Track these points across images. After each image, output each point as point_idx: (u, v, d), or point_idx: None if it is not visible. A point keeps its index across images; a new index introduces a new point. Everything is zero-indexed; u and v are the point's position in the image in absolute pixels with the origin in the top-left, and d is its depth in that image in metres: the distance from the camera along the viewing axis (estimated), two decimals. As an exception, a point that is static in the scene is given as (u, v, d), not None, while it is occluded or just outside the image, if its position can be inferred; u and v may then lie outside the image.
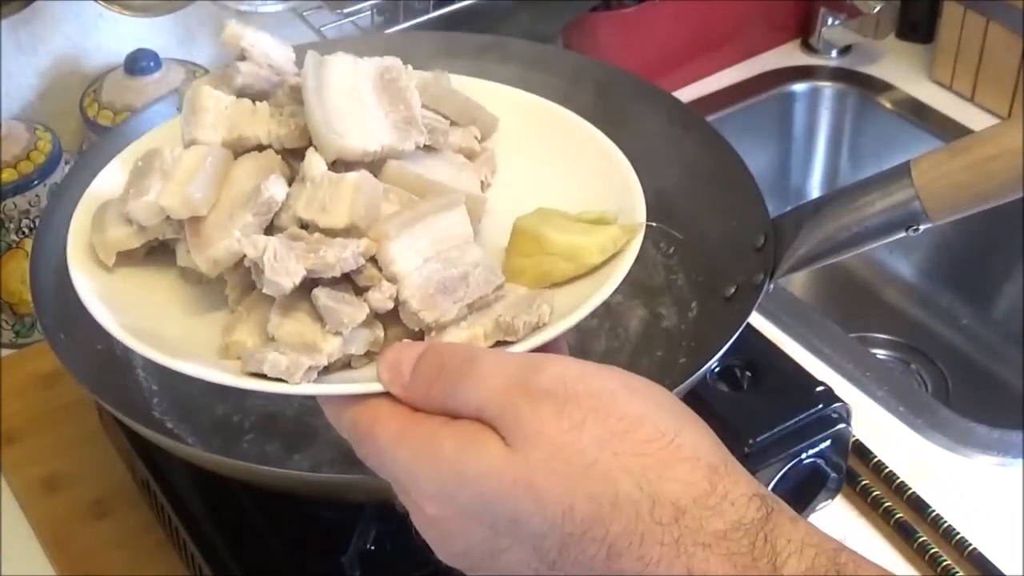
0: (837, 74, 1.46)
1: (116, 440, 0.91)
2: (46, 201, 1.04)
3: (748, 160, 0.86)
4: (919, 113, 1.41)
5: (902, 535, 0.92)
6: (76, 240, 0.65)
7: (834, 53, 1.48)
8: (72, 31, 1.15)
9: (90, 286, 0.62)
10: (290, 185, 0.62)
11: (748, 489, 0.48)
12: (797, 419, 0.85)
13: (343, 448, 0.66)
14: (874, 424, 1.01)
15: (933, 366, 1.33)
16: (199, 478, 0.82)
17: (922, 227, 0.75)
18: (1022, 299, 1.32)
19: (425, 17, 1.16)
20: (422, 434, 0.50)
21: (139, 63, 1.12)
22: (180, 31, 1.20)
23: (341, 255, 0.57)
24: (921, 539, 0.91)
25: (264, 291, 0.57)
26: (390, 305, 0.58)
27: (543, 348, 0.58)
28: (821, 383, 0.88)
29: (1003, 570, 0.89)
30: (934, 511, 0.93)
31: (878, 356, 1.27)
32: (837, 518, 0.93)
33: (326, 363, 0.57)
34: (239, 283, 0.61)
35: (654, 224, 0.87)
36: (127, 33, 1.17)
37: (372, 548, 0.77)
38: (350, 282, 0.58)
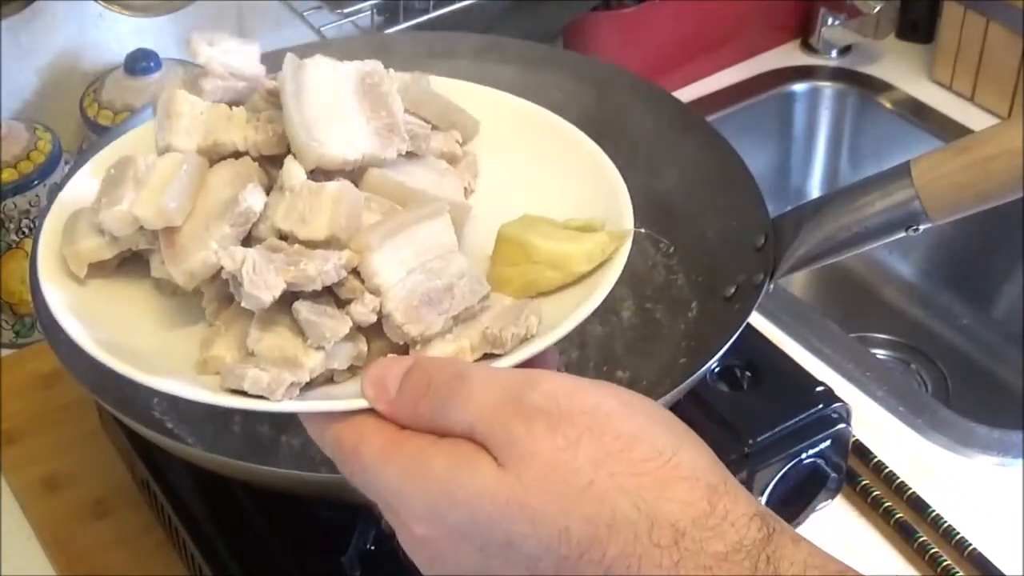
0: (837, 74, 1.46)
1: (116, 440, 0.91)
2: (46, 201, 1.04)
3: (748, 160, 0.86)
4: (919, 113, 1.41)
5: (902, 535, 0.92)
6: (46, 251, 0.63)
7: (834, 53, 1.48)
8: (72, 31, 1.15)
9: (61, 299, 0.60)
10: (267, 194, 0.60)
11: (748, 509, 0.46)
12: (797, 419, 0.85)
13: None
14: (874, 424, 1.01)
15: (933, 366, 1.33)
16: (199, 478, 0.82)
17: (922, 227, 0.75)
18: (1022, 299, 1.32)
19: (425, 17, 1.16)
20: (410, 453, 0.49)
21: (139, 63, 1.12)
22: (180, 31, 1.20)
23: (322, 268, 0.55)
24: (921, 539, 0.91)
25: (243, 305, 0.55)
26: (373, 318, 0.56)
27: (531, 361, 0.56)
28: (821, 383, 0.88)
29: (1003, 570, 0.89)
30: (934, 511, 0.93)
31: (878, 356, 1.27)
32: (837, 518, 0.93)
33: (308, 379, 0.55)
34: (216, 295, 0.60)
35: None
36: (127, 33, 1.17)
37: (372, 548, 0.77)
38: (331, 295, 0.57)
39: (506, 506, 0.46)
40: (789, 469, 0.84)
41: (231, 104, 0.65)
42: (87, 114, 1.12)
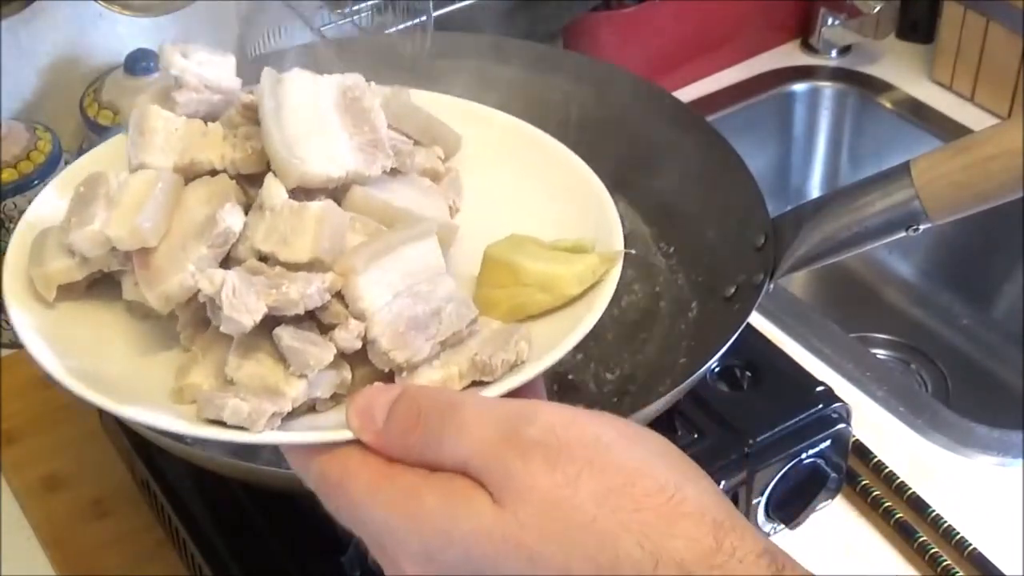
0: (837, 74, 1.46)
1: (116, 440, 0.91)
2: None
3: (748, 160, 0.86)
4: (919, 113, 1.41)
5: (902, 535, 0.92)
6: (13, 272, 0.60)
7: (834, 53, 1.48)
8: (72, 31, 1.15)
9: (29, 322, 0.57)
10: (246, 213, 0.58)
11: (756, 545, 0.44)
12: (797, 419, 0.85)
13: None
14: (874, 424, 1.01)
15: (933, 366, 1.33)
16: (199, 478, 0.82)
17: (922, 227, 0.75)
18: (1022, 299, 1.32)
19: (425, 17, 1.16)
20: (401, 488, 0.46)
21: (139, 63, 1.12)
22: (180, 31, 1.20)
23: (305, 291, 0.53)
24: (921, 539, 0.91)
25: (222, 330, 0.53)
26: (358, 345, 0.54)
27: (522, 388, 0.54)
28: (821, 383, 0.88)
29: (1003, 570, 0.89)
30: (934, 511, 0.93)
31: (878, 356, 1.27)
32: (837, 518, 0.93)
33: (290, 408, 0.53)
34: (191, 319, 0.57)
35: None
36: (127, 33, 1.17)
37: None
38: (314, 319, 0.54)
39: (503, 545, 0.44)
40: (789, 469, 0.84)
41: (205, 118, 0.63)
42: (87, 114, 1.12)
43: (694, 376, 0.75)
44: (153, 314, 0.58)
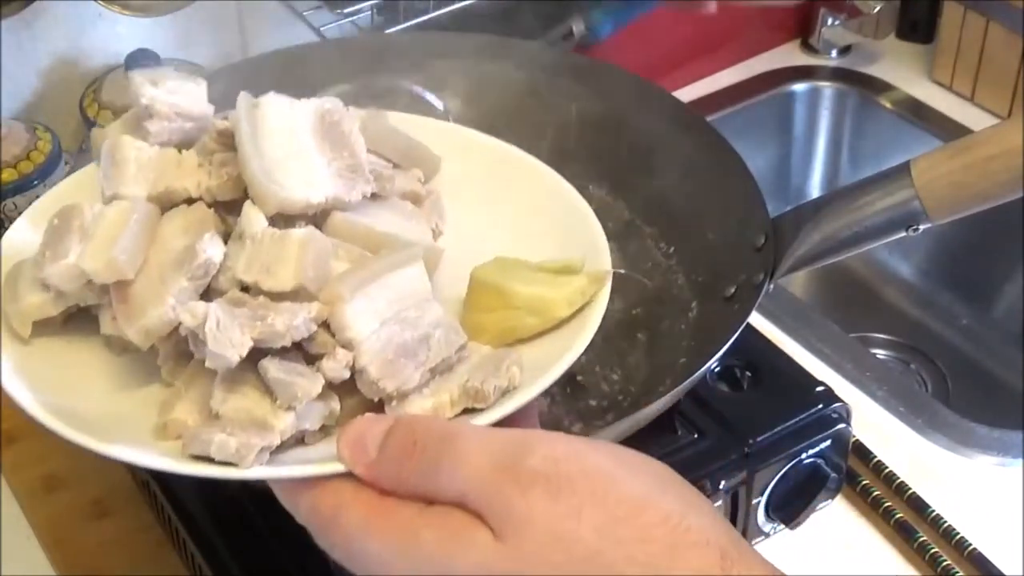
0: (837, 74, 1.46)
1: (116, 440, 0.91)
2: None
3: (748, 160, 0.86)
4: (919, 113, 1.41)
5: (902, 535, 0.92)
6: None
7: (834, 53, 1.48)
8: (72, 31, 1.15)
9: (5, 360, 0.56)
10: (225, 242, 0.56)
11: (763, 572, 0.44)
12: (797, 419, 0.85)
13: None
14: (874, 424, 1.01)
15: (933, 366, 1.33)
16: (199, 478, 0.82)
17: (922, 227, 0.75)
18: (1022, 299, 1.32)
19: (425, 17, 1.16)
20: (397, 523, 0.45)
21: (139, 63, 1.11)
22: (180, 31, 1.20)
23: (291, 322, 0.51)
24: (921, 539, 0.91)
25: (207, 364, 0.51)
26: (347, 374, 0.53)
27: (515, 414, 0.53)
28: (821, 383, 0.88)
29: (1003, 570, 0.89)
30: (934, 511, 0.93)
31: (878, 356, 1.27)
32: (837, 518, 0.93)
33: (279, 442, 0.51)
34: (172, 352, 0.55)
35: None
36: (127, 33, 1.17)
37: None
38: (300, 349, 0.53)
39: None
40: (789, 469, 0.84)
41: (179, 146, 0.61)
42: (87, 114, 1.12)
43: (694, 376, 0.75)
44: (132, 348, 0.56)
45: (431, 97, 0.96)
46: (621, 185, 0.94)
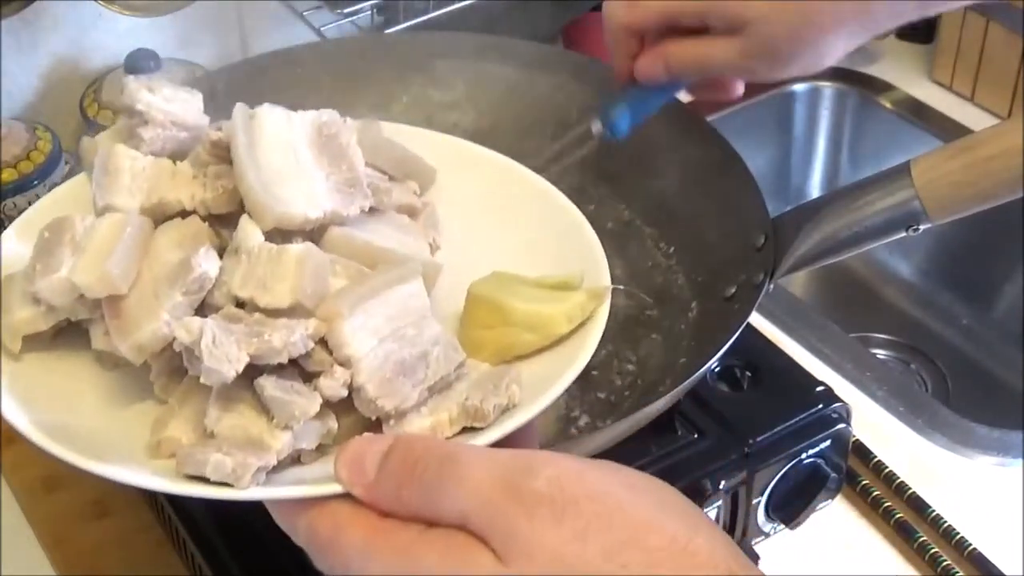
0: (837, 74, 1.46)
1: (116, 440, 0.91)
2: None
3: (748, 160, 0.86)
4: (919, 113, 1.41)
5: (902, 535, 0.92)
6: None
7: (834, 53, 1.48)
8: (72, 31, 1.15)
9: None
10: (220, 256, 0.55)
11: None
12: (797, 419, 0.85)
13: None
14: (874, 424, 1.01)
15: (933, 366, 1.33)
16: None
17: (922, 227, 0.75)
18: (1022, 299, 1.32)
19: (425, 17, 1.16)
20: (397, 545, 0.44)
21: (139, 63, 1.12)
22: (180, 31, 1.20)
23: (289, 339, 0.50)
24: (921, 539, 0.91)
25: (202, 381, 0.50)
26: (344, 393, 0.52)
27: (514, 432, 0.52)
28: (821, 383, 0.88)
29: (1003, 570, 0.89)
30: (934, 511, 0.93)
31: (878, 356, 1.27)
32: (837, 518, 0.93)
33: (276, 462, 0.50)
34: (166, 368, 0.54)
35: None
36: (127, 33, 1.17)
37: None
38: (296, 366, 0.52)
39: None
40: (789, 469, 0.84)
41: (172, 156, 0.60)
42: (87, 114, 1.12)
43: (694, 376, 0.75)
44: (124, 363, 0.55)
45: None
46: (621, 185, 0.94)
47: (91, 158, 0.61)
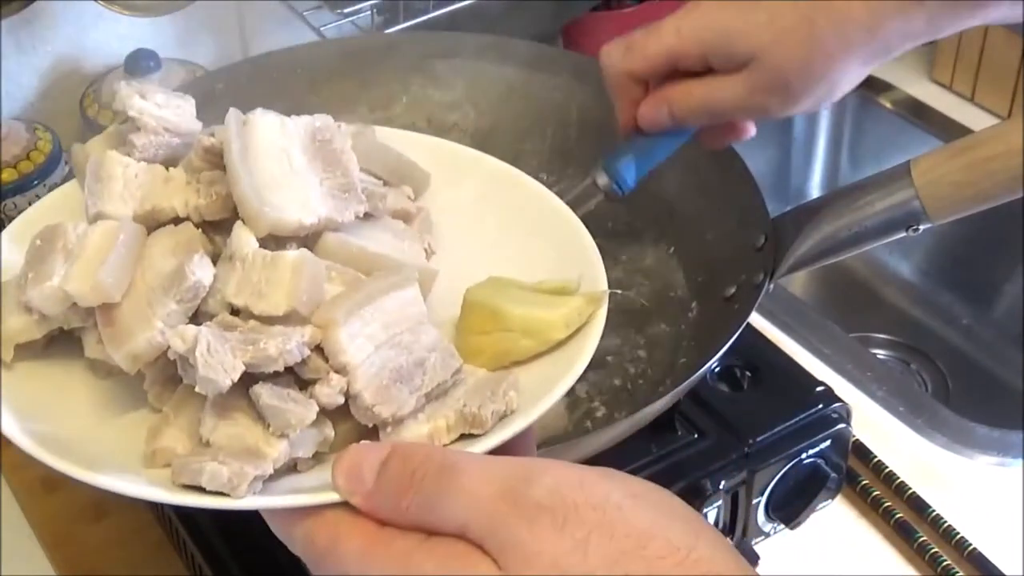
0: (837, 74, 1.46)
1: (116, 440, 0.91)
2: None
3: (748, 160, 0.86)
4: (919, 113, 1.41)
5: (902, 535, 0.92)
6: None
7: (834, 53, 1.48)
8: (72, 31, 1.15)
9: None
10: (214, 263, 0.55)
11: None
12: (797, 419, 0.85)
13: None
14: (874, 424, 1.01)
15: (933, 366, 1.33)
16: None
17: (922, 227, 0.75)
18: (1022, 299, 1.32)
19: (425, 17, 1.16)
20: (396, 554, 0.44)
21: (139, 63, 1.12)
22: (180, 31, 1.20)
23: (284, 347, 0.50)
24: (921, 539, 0.91)
25: (198, 390, 0.50)
26: (340, 400, 0.51)
27: (512, 439, 0.52)
28: (821, 383, 0.88)
29: (1003, 570, 0.89)
30: (934, 511, 0.93)
31: (878, 356, 1.27)
32: (837, 518, 0.93)
33: (272, 470, 0.50)
34: (160, 376, 0.54)
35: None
36: (127, 33, 1.17)
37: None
38: (292, 374, 0.51)
39: None
40: (789, 469, 0.84)
41: (165, 162, 0.60)
42: (87, 114, 1.12)
43: (694, 376, 0.75)
44: (117, 372, 0.54)
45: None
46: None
47: (82, 165, 0.61)
